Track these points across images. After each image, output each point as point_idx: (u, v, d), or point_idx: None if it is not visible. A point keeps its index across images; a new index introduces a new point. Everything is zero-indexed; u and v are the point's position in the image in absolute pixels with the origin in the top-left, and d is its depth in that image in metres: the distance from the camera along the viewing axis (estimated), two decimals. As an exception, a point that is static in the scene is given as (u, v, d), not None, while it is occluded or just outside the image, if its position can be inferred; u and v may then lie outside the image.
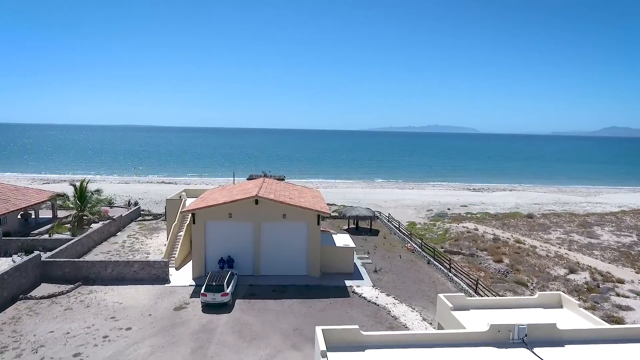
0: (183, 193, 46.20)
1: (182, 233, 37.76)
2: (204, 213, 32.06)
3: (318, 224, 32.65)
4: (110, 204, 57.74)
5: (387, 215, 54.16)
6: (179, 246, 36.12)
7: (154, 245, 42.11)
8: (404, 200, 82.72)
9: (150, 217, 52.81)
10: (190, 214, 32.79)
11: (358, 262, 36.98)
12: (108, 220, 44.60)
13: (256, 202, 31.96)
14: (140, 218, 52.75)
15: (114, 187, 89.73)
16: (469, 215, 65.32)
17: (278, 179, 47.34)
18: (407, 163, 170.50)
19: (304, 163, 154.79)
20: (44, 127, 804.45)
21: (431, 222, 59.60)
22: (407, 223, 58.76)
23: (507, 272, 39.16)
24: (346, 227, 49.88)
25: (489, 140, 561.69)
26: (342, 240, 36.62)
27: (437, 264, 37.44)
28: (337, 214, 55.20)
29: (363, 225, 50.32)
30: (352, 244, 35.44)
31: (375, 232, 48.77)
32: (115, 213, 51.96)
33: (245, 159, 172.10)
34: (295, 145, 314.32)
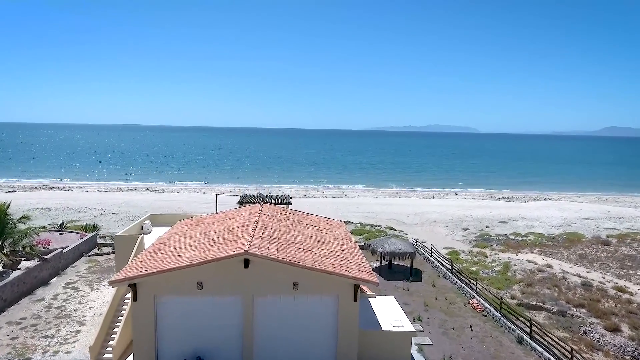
0: (146, 222, 31.64)
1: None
2: (154, 283, 17.67)
3: (355, 299, 18.24)
4: (61, 227, 43.11)
5: (430, 248, 39.50)
6: (122, 322, 21.68)
7: (98, 303, 27.62)
8: (428, 213, 68.41)
9: (109, 250, 38.19)
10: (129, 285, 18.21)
11: (412, 344, 22.56)
12: (36, 262, 30.14)
13: (246, 263, 17.57)
14: (95, 251, 38.23)
15: (89, 197, 75.33)
16: (520, 239, 50.91)
17: (282, 204, 32.79)
18: (419, 166, 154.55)
19: (308, 167, 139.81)
20: (42, 126, 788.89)
21: (478, 251, 45.19)
22: (446, 251, 44.63)
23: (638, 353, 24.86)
24: (376, 265, 35.51)
25: (493, 140, 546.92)
26: (387, 310, 22.18)
27: (536, 346, 23.00)
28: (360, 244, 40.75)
29: (397, 262, 35.89)
30: (407, 324, 20.89)
31: (417, 274, 34.37)
32: (63, 242, 37.67)
33: (244, 162, 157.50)
34: (296, 145, 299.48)
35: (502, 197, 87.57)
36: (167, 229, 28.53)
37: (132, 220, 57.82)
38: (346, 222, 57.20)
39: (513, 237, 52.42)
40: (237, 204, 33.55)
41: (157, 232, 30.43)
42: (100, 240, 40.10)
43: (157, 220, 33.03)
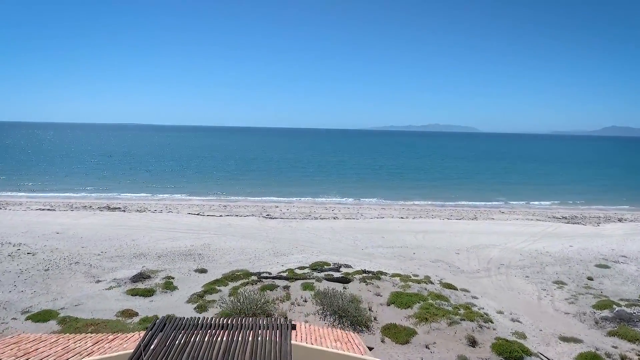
0: None
1: None
2: None
3: None
4: None
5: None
6: None
7: None
8: (485, 248, 47.54)
9: None
10: None
11: None
12: None
13: None
14: None
15: (18, 221, 53.81)
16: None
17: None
18: (440, 171, 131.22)
19: (313, 173, 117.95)
20: (38, 125, 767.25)
21: (630, 351, 24.23)
22: (565, 347, 24.01)
23: None
24: None
25: (498, 140, 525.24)
26: None
27: None
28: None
29: None
30: None
31: None
32: None
33: (238, 167, 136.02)
34: (297, 147, 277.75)
35: (564, 217, 66.48)
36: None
37: (45, 270, 36.84)
38: (377, 276, 35.83)
39: (653, 306, 31.42)
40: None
41: None
42: None
43: None
